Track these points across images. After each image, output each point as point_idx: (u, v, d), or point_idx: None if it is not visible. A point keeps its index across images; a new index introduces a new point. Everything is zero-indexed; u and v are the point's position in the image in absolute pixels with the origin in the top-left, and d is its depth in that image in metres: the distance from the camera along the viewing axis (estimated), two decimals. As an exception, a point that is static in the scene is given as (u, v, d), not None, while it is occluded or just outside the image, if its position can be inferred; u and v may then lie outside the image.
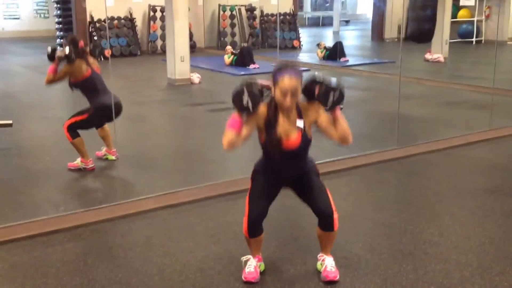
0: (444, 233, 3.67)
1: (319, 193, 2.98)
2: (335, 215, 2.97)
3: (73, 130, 4.93)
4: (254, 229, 2.99)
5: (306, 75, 2.90)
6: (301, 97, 2.90)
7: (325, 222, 2.97)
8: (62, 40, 5.17)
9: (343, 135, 2.88)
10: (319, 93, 2.84)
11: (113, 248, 3.53)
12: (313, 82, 2.88)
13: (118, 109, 4.97)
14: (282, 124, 2.88)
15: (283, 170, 2.99)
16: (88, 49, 5.06)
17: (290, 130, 2.88)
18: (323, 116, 2.91)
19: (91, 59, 5.01)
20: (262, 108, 2.90)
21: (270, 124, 2.87)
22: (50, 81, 4.99)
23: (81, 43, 5.00)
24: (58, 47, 5.09)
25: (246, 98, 2.79)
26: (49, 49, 5.00)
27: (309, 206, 3.03)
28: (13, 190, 4.64)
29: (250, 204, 2.98)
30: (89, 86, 4.92)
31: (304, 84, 2.89)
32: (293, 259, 3.30)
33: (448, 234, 3.65)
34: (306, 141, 2.92)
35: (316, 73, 2.97)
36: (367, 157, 5.27)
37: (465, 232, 3.70)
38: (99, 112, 4.91)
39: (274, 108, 2.88)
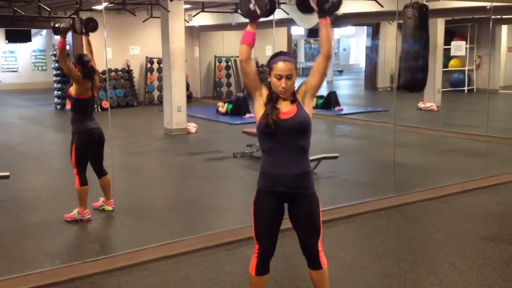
0: (444, 282, 3.65)
1: (310, 226, 2.92)
2: (321, 253, 2.94)
3: (82, 173, 4.95)
4: (263, 266, 2.96)
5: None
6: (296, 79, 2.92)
7: (311, 258, 2.95)
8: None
9: (325, 42, 2.90)
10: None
11: (110, 300, 3.49)
12: None
13: (100, 133, 5.05)
14: (280, 103, 2.90)
15: (283, 162, 2.86)
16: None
17: (287, 107, 2.89)
18: (308, 80, 2.96)
19: (97, 82, 5.10)
20: (264, 90, 2.95)
21: (272, 97, 2.90)
22: (59, 55, 4.91)
23: (90, 63, 5.06)
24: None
25: (253, 4, 2.84)
26: (52, 24, 5.05)
27: (297, 234, 2.99)
28: (9, 242, 4.60)
29: (259, 240, 2.94)
30: (82, 108, 4.99)
31: None
32: (292, 310, 3.26)
33: (448, 283, 3.63)
34: (301, 113, 2.87)
35: None
36: (365, 205, 5.27)
37: (464, 281, 3.68)
38: (82, 137, 4.95)
39: (275, 93, 2.91)
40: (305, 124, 2.88)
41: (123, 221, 5.06)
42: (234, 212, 5.42)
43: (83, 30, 5.16)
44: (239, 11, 2.86)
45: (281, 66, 2.84)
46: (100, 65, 13.37)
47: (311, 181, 2.95)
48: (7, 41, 21.19)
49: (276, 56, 2.91)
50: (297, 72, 2.92)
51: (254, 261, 2.96)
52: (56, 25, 5.02)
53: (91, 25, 5.17)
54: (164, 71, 10.57)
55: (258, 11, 2.85)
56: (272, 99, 2.91)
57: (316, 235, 2.94)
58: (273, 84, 2.88)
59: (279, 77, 2.85)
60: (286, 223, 3.09)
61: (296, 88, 2.97)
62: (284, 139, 2.85)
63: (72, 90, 4.98)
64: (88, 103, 5.02)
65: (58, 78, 15.37)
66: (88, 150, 5.06)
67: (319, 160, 6.61)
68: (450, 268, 3.89)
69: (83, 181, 4.98)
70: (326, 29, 2.92)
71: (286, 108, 2.88)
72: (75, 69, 4.94)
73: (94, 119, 5.07)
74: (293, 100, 2.90)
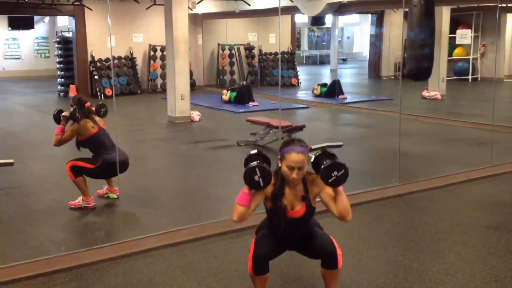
0: (450, 271, 3.64)
1: (320, 236, 3.01)
2: (339, 252, 2.97)
3: (76, 171, 4.95)
4: (260, 267, 2.96)
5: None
6: (308, 168, 2.94)
7: (329, 259, 2.97)
8: (69, 101, 5.23)
9: (342, 212, 2.91)
10: (323, 167, 2.87)
11: (115, 288, 3.50)
12: (322, 155, 2.94)
13: (125, 165, 5.04)
14: (288, 195, 2.94)
15: (288, 234, 3.03)
16: (93, 108, 5.14)
17: (295, 201, 2.95)
18: (326, 190, 2.95)
19: (97, 118, 5.09)
20: (268, 188, 2.95)
21: (276, 195, 2.93)
22: (59, 142, 5.05)
23: (88, 104, 5.09)
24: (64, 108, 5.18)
25: (258, 176, 2.83)
26: (55, 111, 5.12)
27: (314, 253, 3.03)
28: (14, 229, 4.61)
29: (256, 243, 2.98)
30: (96, 142, 5.00)
31: (315, 157, 2.96)
32: (298, 298, 3.27)
33: (453, 272, 3.62)
34: (310, 210, 2.99)
35: (331, 146, 3.03)
36: (369, 194, 5.26)
37: (470, 270, 3.67)
38: (106, 168, 4.96)
39: (281, 181, 2.93)
40: (312, 214, 3.03)
41: (127, 209, 5.06)
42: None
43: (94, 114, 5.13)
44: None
45: (294, 158, 2.85)
46: (104, 53, 13.32)
47: (312, 223, 3.09)
48: (10, 28, 21.13)
49: (290, 145, 2.89)
50: (308, 161, 2.91)
51: (250, 262, 2.96)
52: (58, 114, 5.05)
53: (103, 111, 5.22)
54: (168, 59, 10.53)
55: (262, 183, 2.85)
56: (277, 193, 2.92)
57: (330, 239, 2.99)
58: (284, 172, 2.89)
59: (291, 168, 2.85)
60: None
61: (310, 173, 2.99)
62: (290, 226, 2.98)
63: (78, 136, 5.01)
64: (98, 136, 5.00)
65: (61, 65, 15.35)
66: (103, 177, 5.14)
67: (322, 148, 6.58)
68: (456, 257, 3.88)
69: (77, 174, 4.97)
70: (338, 197, 2.91)
71: (294, 204, 2.94)
72: (69, 130, 4.98)
73: (116, 150, 4.88)
74: (304, 197, 2.94)
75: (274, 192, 2.92)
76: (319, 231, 3.07)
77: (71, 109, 4.96)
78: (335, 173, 2.83)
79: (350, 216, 2.91)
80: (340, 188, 2.90)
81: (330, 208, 2.93)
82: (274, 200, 2.93)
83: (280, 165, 2.92)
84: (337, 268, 2.99)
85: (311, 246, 3.02)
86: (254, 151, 2.98)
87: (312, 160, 2.96)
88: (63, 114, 5.01)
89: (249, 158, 2.92)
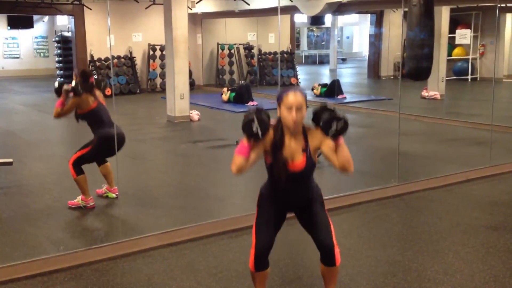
0: (449, 271, 3.65)
1: (321, 226, 2.98)
2: (336, 250, 2.96)
3: (78, 166, 4.95)
4: (261, 262, 2.96)
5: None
6: (306, 117, 2.92)
7: (326, 255, 2.96)
8: (73, 71, 5.25)
9: (344, 164, 2.89)
10: (323, 120, 2.86)
11: (114, 287, 3.49)
12: (321, 109, 2.91)
13: (121, 140, 5.01)
14: (288, 147, 2.91)
15: (289, 194, 2.99)
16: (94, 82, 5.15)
17: (295, 153, 2.91)
18: (327, 142, 2.92)
19: (97, 92, 5.08)
20: (269, 132, 2.92)
21: (276, 146, 2.90)
22: (58, 114, 5.04)
23: (92, 78, 5.09)
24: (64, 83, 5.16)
25: (256, 125, 2.82)
26: (56, 83, 5.11)
27: (311, 236, 3.02)
28: (13, 229, 4.61)
29: (257, 236, 2.96)
30: (95, 117, 4.99)
31: (314, 111, 2.93)
32: (297, 298, 3.27)
33: (452, 272, 3.62)
34: (311, 164, 2.94)
35: (328, 102, 3.01)
36: (368, 194, 5.26)
37: (469, 270, 3.67)
38: (102, 143, 4.95)
39: (281, 131, 2.91)
40: (313, 169, 2.99)
41: (127, 208, 5.06)
42: (238, 200, 5.41)
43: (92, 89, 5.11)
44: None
45: (291, 98, 2.83)
46: (103, 52, 13.25)
47: (314, 189, 3.05)
48: (9, 27, 21.11)
49: (287, 89, 2.90)
50: (306, 106, 2.89)
51: (252, 257, 2.96)
52: (60, 87, 5.04)
53: (103, 85, 5.30)
54: (167, 58, 10.52)
55: (260, 135, 2.84)
56: (277, 143, 2.90)
57: (330, 231, 2.97)
58: (283, 117, 2.87)
59: (289, 109, 2.83)
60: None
61: (310, 127, 2.96)
62: (291, 181, 2.94)
63: (78, 109, 5.00)
64: (97, 111, 4.99)
65: (61, 64, 15.34)
66: (102, 155, 5.11)
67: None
68: (455, 257, 3.88)
69: (79, 171, 4.97)
70: (340, 149, 2.90)
71: (295, 155, 2.90)
72: (70, 103, 4.97)
73: (113, 125, 4.94)
74: (304, 148, 2.92)
75: (274, 142, 2.89)
76: (322, 216, 3.00)
77: (73, 82, 4.94)
78: (335, 124, 2.83)
79: (351, 167, 2.90)
80: (341, 140, 2.89)
81: (332, 160, 2.91)
82: (274, 151, 2.89)
83: (278, 113, 2.89)
84: (335, 266, 2.99)
85: (310, 231, 3.01)
86: (253, 106, 2.97)
87: (312, 115, 2.92)
88: (65, 87, 4.99)
89: (248, 112, 2.89)
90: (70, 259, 3.82)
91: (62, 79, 15.29)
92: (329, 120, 2.83)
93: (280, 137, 2.90)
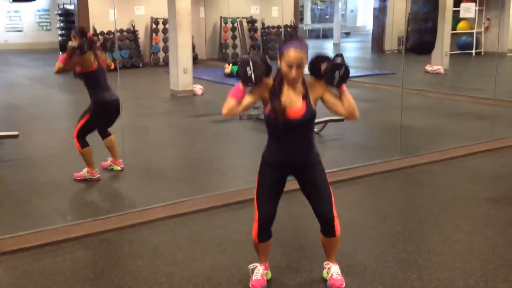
0: (448, 241, 3.72)
1: (322, 195, 2.99)
2: (336, 221, 3.01)
3: (82, 138, 5.01)
4: (264, 233, 3.03)
5: (312, 53, 2.94)
6: (306, 71, 2.92)
7: (326, 227, 3.02)
8: (71, 33, 5.27)
9: (351, 110, 2.93)
10: (325, 70, 2.86)
11: (121, 257, 3.58)
12: (319, 59, 2.91)
13: (117, 106, 5.07)
14: (287, 94, 2.90)
15: (288, 147, 2.95)
16: (98, 42, 5.16)
17: (294, 100, 2.89)
18: (329, 92, 2.94)
19: (99, 52, 5.11)
20: (268, 81, 2.94)
21: (275, 94, 2.90)
22: (60, 70, 5.00)
23: (89, 34, 5.11)
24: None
25: (250, 69, 2.83)
26: (59, 40, 5.13)
27: (311, 206, 3.05)
28: (21, 200, 4.69)
29: (259, 208, 3.01)
30: (93, 80, 5.02)
31: (310, 61, 2.93)
32: (299, 267, 3.35)
33: (452, 243, 3.70)
34: (310, 112, 2.91)
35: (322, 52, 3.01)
36: (370, 167, 5.32)
37: (468, 241, 3.74)
38: (99, 108, 5.01)
39: (280, 80, 2.92)
40: (313, 119, 2.96)
41: (132, 180, 5.13)
42: (241, 173, 5.48)
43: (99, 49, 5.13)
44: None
45: (292, 54, 2.80)
46: (106, 25, 13.16)
47: (315, 153, 3.03)
48: (11, 1, 20.99)
49: (288, 42, 2.86)
50: (307, 58, 2.88)
51: (256, 228, 3.02)
52: (65, 43, 5.03)
53: (108, 44, 5.26)
54: (170, 32, 10.49)
55: (253, 78, 2.84)
56: (276, 91, 2.89)
57: (330, 202, 2.99)
58: (283, 69, 2.86)
59: (290, 65, 2.82)
60: (290, 185, 3.18)
61: (311, 78, 2.94)
62: (291, 130, 2.92)
63: (78, 68, 5.00)
64: (96, 74, 5.01)
65: (63, 38, 15.29)
66: (101, 121, 5.14)
67: (325, 122, 6.63)
68: (455, 228, 3.95)
69: (84, 144, 5.03)
70: (345, 96, 2.91)
71: (294, 102, 2.88)
72: (74, 58, 4.93)
73: (109, 90, 5.06)
74: (304, 96, 2.90)
75: (273, 90, 2.89)
76: (322, 184, 2.99)
77: (73, 39, 4.97)
78: (337, 72, 2.85)
79: (357, 113, 2.93)
80: (344, 87, 2.91)
81: (337, 108, 2.93)
82: (273, 98, 2.88)
83: (279, 64, 2.89)
84: (334, 236, 3.04)
85: (310, 199, 3.02)
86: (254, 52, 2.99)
87: (309, 65, 2.92)
88: (70, 44, 5.00)
89: (246, 56, 2.92)
90: (77, 229, 3.90)
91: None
92: (331, 69, 2.84)
93: (279, 85, 2.90)
